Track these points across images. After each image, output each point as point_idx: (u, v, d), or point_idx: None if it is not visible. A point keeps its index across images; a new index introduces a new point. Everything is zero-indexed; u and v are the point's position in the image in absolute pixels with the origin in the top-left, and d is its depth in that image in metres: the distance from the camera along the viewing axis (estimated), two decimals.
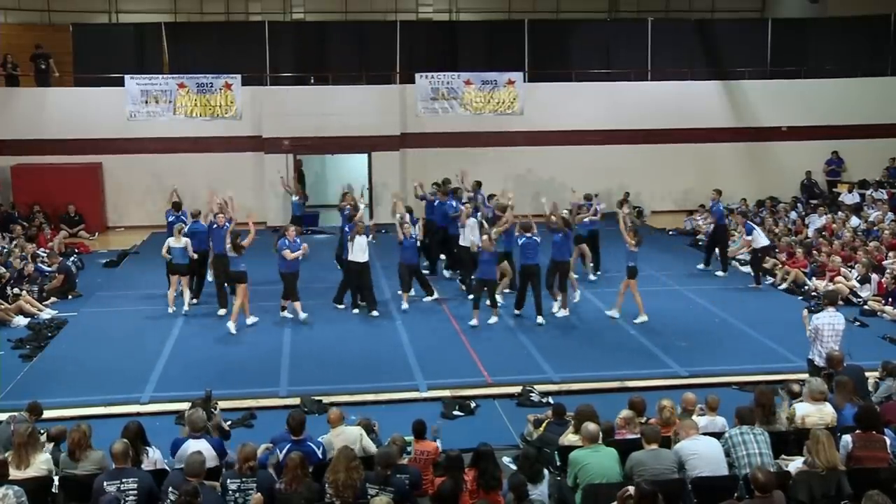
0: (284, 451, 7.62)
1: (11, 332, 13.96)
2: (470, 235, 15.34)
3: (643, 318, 14.15)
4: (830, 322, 10.14)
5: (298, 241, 14.34)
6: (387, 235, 19.08)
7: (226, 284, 14.70)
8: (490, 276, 14.06)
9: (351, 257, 14.45)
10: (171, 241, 14.64)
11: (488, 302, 14.17)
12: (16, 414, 9.04)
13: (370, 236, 14.85)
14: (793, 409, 8.54)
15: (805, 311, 10.78)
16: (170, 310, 14.82)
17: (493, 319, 14.01)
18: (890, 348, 12.76)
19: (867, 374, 9.88)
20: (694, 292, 15.98)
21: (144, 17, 26.24)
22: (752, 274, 16.59)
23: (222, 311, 14.50)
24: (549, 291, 14.60)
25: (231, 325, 13.77)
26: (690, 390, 9.83)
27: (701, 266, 17.62)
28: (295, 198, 20.54)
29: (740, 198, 22.75)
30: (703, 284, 16.54)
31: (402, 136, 22.93)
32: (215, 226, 14.77)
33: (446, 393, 11.31)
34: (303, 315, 14.26)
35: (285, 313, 14.43)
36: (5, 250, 17.44)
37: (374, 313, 14.50)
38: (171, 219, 16.03)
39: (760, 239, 16.52)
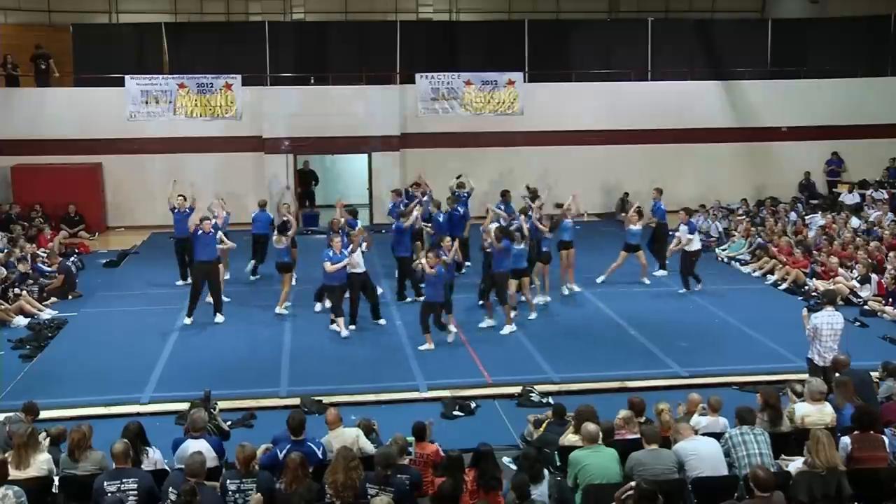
0: (284, 452, 7.62)
1: (11, 332, 13.96)
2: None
3: (546, 298, 14.98)
4: (829, 322, 10.15)
5: (346, 252, 13.54)
6: (386, 235, 19.01)
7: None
8: (436, 298, 12.91)
9: (349, 269, 13.81)
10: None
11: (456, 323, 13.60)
12: (11, 414, 9.05)
13: (364, 245, 14.06)
14: (792, 410, 8.55)
15: (805, 311, 10.78)
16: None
17: (425, 346, 12.84)
18: (890, 348, 12.75)
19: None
20: (693, 292, 15.95)
21: (144, 17, 26.25)
22: (682, 278, 15.88)
23: (220, 318, 14.36)
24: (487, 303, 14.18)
25: (281, 309, 14.66)
26: (690, 390, 9.87)
27: (658, 272, 16.99)
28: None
29: (741, 198, 22.79)
30: (702, 284, 16.49)
31: (402, 137, 22.93)
32: (200, 232, 14.08)
33: (446, 393, 11.31)
34: (345, 332, 13.49)
35: (334, 326, 13.71)
36: (5, 251, 17.43)
37: (381, 322, 14.13)
38: (178, 215, 15.93)
39: (696, 242, 15.89)
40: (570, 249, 15.63)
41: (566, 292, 15.71)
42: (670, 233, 17.02)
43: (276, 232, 15.12)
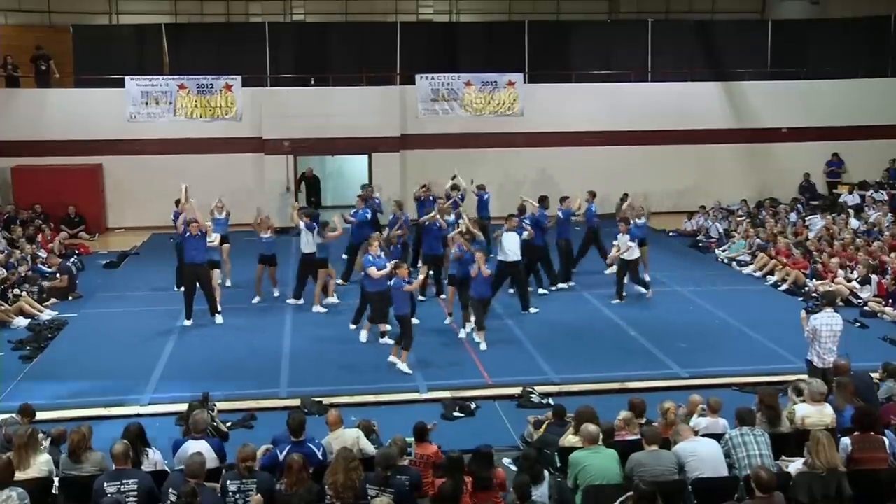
0: (284, 452, 7.63)
1: (12, 333, 13.97)
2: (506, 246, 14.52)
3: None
4: (828, 323, 10.13)
5: (382, 256, 13.06)
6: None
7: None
8: (402, 311, 12.19)
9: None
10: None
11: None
12: (7, 417, 9.04)
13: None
14: (793, 411, 8.55)
15: (803, 313, 10.79)
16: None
17: (401, 365, 12.13)
18: (890, 349, 12.74)
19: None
20: (694, 293, 15.98)
21: (145, 18, 26.28)
22: (617, 285, 15.38)
23: (219, 319, 14.39)
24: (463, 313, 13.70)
25: (317, 307, 14.80)
26: (690, 391, 9.87)
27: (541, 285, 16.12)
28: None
29: (741, 199, 22.80)
30: (702, 285, 16.52)
31: (402, 138, 22.93)
32: (188, 234, 13.90)
33: (446, 394, 11.32)
34: (365, 336, 13.24)
35: (363, 333, 13.32)
36: (6, 251, 17.43)
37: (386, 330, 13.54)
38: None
39: (635, 250, 15.24)
40: (641, 247, 15.73)
41: (644, 291, 15.77)
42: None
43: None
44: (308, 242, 14.70)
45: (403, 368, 12.01)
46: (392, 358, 12.18)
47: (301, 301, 15.14)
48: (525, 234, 14.84)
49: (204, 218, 14.78)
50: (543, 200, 16.22)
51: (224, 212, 16.45)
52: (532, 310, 14.75)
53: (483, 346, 13.05)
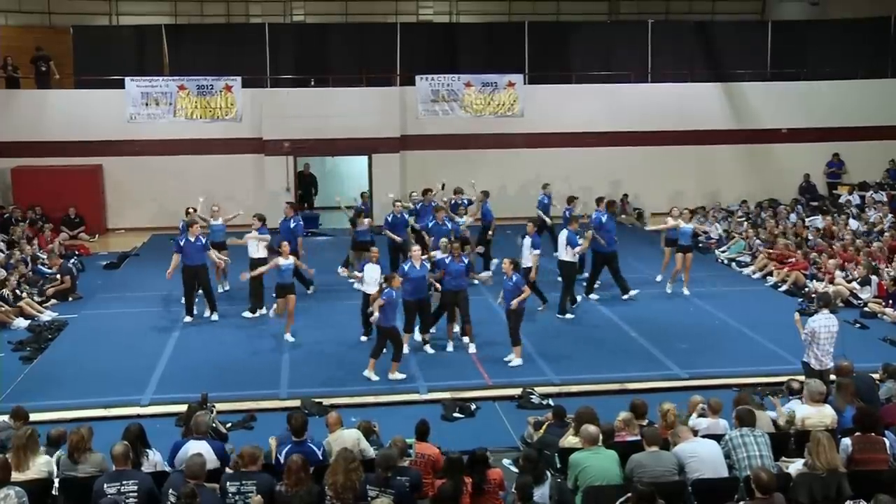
0: (285, 452, 7.64)
1: (12, 333, 13.97)
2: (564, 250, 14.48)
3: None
4: (826, 325, 10.14)
5: (427, 264, 12.89)
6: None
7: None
8: (389, 322, 11.79)
9: (363, 288, 13.08)
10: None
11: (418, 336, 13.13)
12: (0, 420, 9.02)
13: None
14: (792, 412, 8.55)
15: (797, 315, 10.80)
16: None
17: (395, 375, 11.93)
18: (890, 350, 12.75)
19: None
20: (694, 294, 15.96)
21: (145, 19, 26.25)
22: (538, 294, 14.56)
23: (215, 317, 14.47)
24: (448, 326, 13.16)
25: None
26: (690, 392, 9.88)
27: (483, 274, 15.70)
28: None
29: (741, 200, 22.80)
30: (702, 286, 16.51)
31: (402, 139, 22.94)
32: (187, 239, 14.11)
33: (446, 395, 11.32)
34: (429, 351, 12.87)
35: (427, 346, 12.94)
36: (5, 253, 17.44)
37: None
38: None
39: (528, 259, 14.15)
40: (687, 253, 15.85)
41: (686, 292, 15.89)
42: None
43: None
44: (257, 248, 14.58)
45: (397, 377, 11.91)
46: (391, 375, 11.93)
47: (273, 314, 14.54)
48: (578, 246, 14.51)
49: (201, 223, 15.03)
50: (607, 203, 15.90)
51: (220, 217, 16.33)
52: (569, 315, 14.64)
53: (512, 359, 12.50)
